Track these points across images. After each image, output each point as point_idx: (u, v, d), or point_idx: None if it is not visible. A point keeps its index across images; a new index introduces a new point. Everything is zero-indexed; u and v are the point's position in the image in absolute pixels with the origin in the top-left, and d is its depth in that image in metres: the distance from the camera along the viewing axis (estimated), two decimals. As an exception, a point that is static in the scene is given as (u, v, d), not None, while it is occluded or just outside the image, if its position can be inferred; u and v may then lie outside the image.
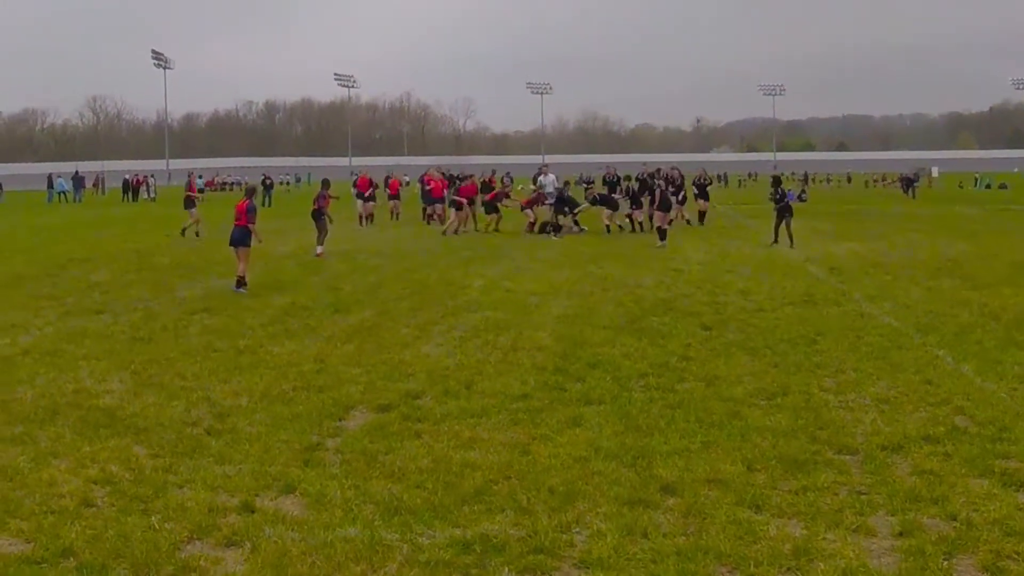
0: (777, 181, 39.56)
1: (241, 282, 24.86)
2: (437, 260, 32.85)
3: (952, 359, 16.10)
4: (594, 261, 31.98)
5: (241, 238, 25.30)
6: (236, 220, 25.63)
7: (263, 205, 73.21)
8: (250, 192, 26.91)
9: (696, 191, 51.33)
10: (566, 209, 44.54)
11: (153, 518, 9.21)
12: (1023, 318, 19.89)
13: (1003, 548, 8.36)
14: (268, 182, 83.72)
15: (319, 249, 33.98)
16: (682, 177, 50.48)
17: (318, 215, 34.83)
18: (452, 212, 44.60)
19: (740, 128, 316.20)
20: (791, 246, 35.71)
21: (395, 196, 56.54)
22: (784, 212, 37.31)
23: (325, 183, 37.29)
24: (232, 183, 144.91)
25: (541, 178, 49.85)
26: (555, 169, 54.01)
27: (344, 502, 9.64)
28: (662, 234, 38.11)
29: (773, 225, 37.69)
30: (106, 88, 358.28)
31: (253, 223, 25.47)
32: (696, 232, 44.50)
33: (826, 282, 26.21)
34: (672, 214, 43.06)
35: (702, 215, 50.18)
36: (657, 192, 41.26)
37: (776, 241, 36.94)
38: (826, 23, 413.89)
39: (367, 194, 51.88)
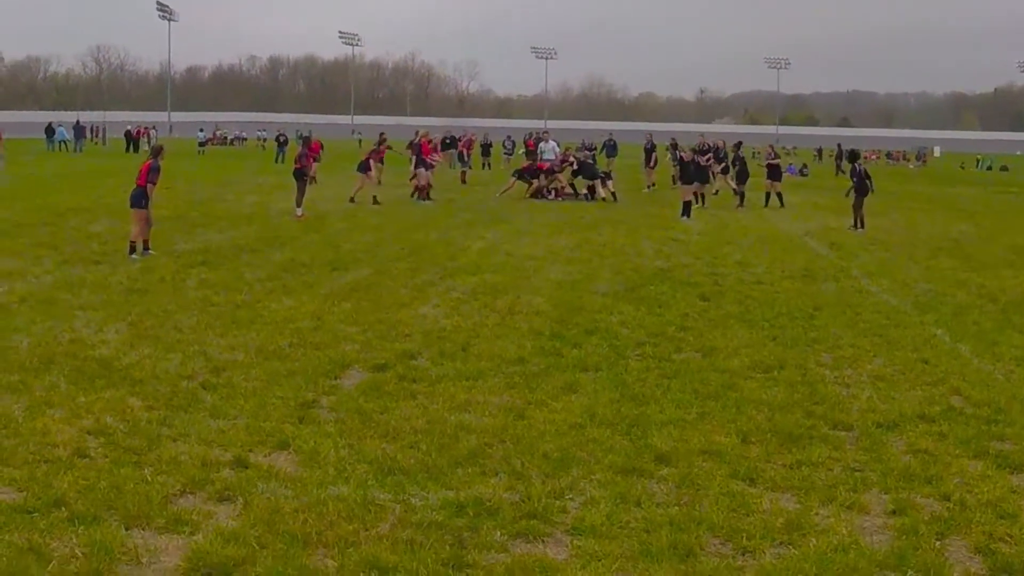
0: (855, 156, 37.27)
1: (133, 247, 23.27)
2: (437, 221, 32.81)
3: (949, 339, 16.11)
4: (594, 228, 31.97)
5: (135, 199, 23.45)
6: (137, 179, 23.93)
7: (276, 162, 73.01)
8: (156, 151, 24.77)
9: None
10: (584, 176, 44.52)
11: (146, 470, 9.20)
12: (1021, 300, 19.91)
13: (996, 530, 8.36)
14: (283, 139, 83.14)
15: (299, 211, 33.24)
16: (722, 148, 49.67)
17: (300, 174, 33.93)
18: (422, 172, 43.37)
19: (744, 100, 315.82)
20: (861, 228, 33.61)
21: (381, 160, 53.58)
22: (862, 191, 34.35)
23: (306, 141, 36.83)
24: (236, 138, 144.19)
25: (542, 144, 49.77)
26: (558, 135, 53.96)
27: (337, 460, 9.62)
28: (685, 207, 36.47)
29: (852, 206, 34.66)
30: (110, 38, 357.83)
31: (153, 183, 23.59)
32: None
33: (825, 257, 26.23)
34: (717, 185, 42.58)
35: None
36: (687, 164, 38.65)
37: (856, 226, 33.99)
38: (833, 0, 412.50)
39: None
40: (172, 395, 11.80)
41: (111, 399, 11.54)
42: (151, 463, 9.42)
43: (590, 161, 46.56)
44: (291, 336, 15.08)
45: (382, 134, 42.56)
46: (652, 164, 53.66)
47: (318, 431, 10.57)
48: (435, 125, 59.56)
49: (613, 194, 43.97)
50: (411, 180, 42.92)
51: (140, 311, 16.65)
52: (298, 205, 33.44)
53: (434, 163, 43.45)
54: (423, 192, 40.55)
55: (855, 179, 34.76)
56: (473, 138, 63.26)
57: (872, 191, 34.76)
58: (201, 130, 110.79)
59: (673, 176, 51.46)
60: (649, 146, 53.97)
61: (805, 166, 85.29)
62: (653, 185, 52.54)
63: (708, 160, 42.53)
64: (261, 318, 16.42)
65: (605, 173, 45.98)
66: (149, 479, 8.97)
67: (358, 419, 11.03)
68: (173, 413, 11.08)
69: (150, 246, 23.46)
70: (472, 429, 10.75)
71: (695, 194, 39.51)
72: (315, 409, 11.46)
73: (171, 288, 18.99)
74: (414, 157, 41.79)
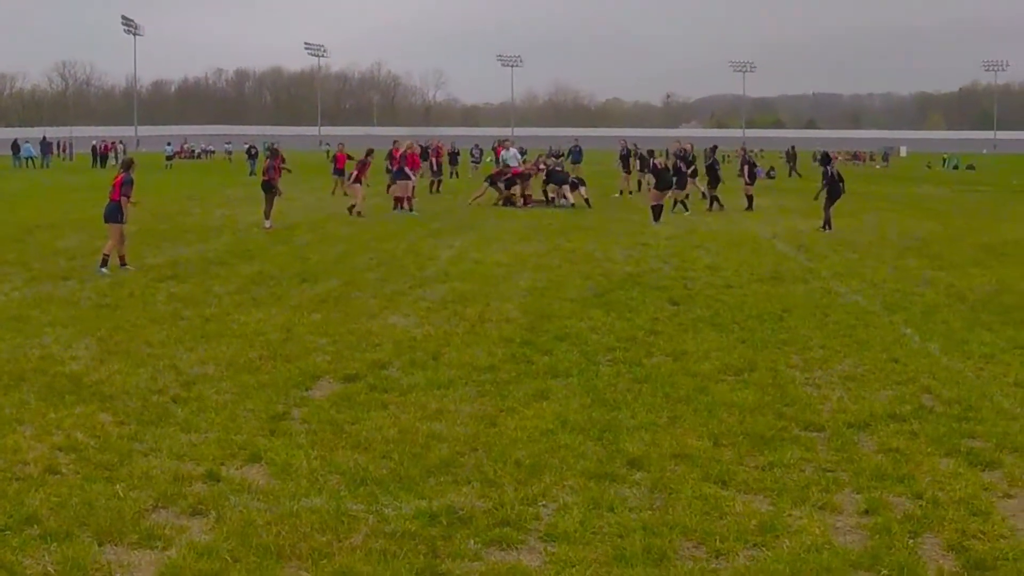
0: (826, 159, 37.27)
1: (105, 261, 23.07)
2: (405, 231, 32.78)
3: (919, 338, 16.17)
4: (562, 234, 31.99)
5: (110, 213, 23.46)
6: (110, 194, 23.88)
7: (250, 175, 72.73)
8: (127, 165, 24.66)
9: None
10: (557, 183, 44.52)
11: (118, 486, 9.16)
12: (989, 298, 19.99)
13: (968, 527, 8.39)
14: (253, 151, 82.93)
15: (267, 223, 33.18)
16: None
17: (268, 187, 33.74)
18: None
19: (710, 104, 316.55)
20: (827, 229, 33.61)
21: (341, 171, 50.98)
22: (835, 194, 34.39)
23: (274, 152, 36.64)
24: (203, 151, 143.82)
25: (503, 152, 49.76)
26: (525, 143, 53.98)
27: (310, 472, 9.61)
28: (655, 212, 36.60)
29: (822, 207, 34.80)
30: (76, 53, 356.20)
31: (128, 197, 23.58)
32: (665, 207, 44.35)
33: (794, 259, 26.30)
34: (688, 189, 42.51)
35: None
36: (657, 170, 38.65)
37: (825, 227, 34.00)
38: (798, 3, 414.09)
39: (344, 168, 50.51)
40: (143, 410, 11.76)
41: (81, 415, 11.50)
42: (123, 478, 9.38)
43: (558, 168, 46.55)
44: (261, 348, 15.05)
45: (370, 149, 42.13)
46: (629, 170, 53.56)
47: (290, 443, 10.55)
48: (403, 135, 59.25)
49: (587, 200, 43.99)
50: (388, 192, 42.74)
51: (110, 326, 16.60)
52: (266, 217, 33.42)
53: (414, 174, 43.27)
54: (406, 202, 40.16)
55: (826, 181, 34.66)
56: (441, 146, 63.22)
57: (843, 193, 34.79)
58: (168, 144, 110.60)
59: (640, 182, 51.73)
60: (624, 152, 53.91)
61: (772, 168, 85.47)
62: (631, 192, 52.38)
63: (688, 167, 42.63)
64: (231, 331, 16.38)
65: (579, 179, 45.96)
66: (121, 495, 8.93)
67: (330, 430, 11.01)
68: (144, 428, 11.05)
69: (127, 261, 23.43)
70: (444, 438, 10.74)
71: (680, 201, 39.73)
72: (286, 421, 11.44)
73: (140, 302, 18.94)
74: (394, 169, 41.45)
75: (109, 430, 10.96)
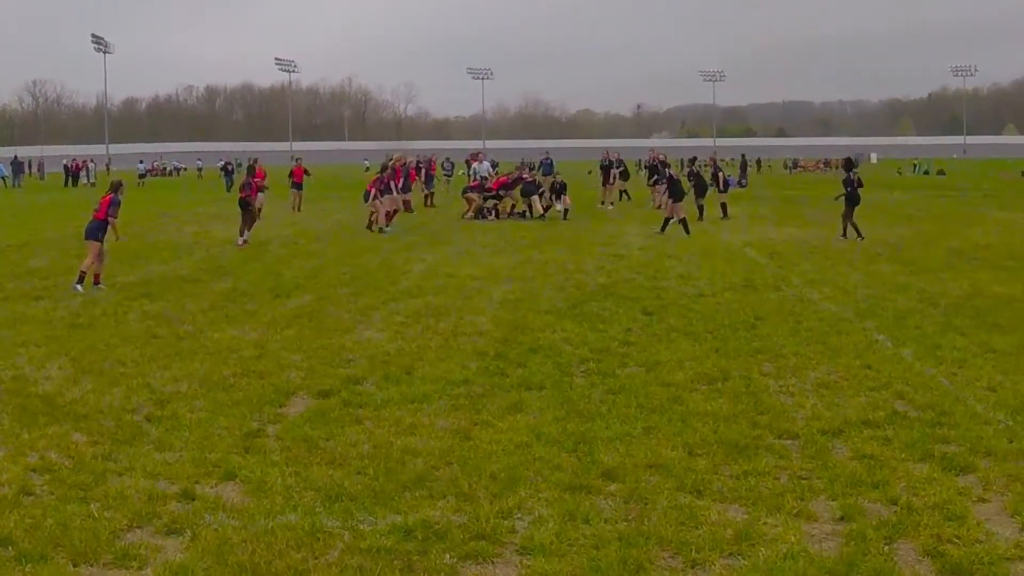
0: (849, 164, 36.46)
1: (82, 277, 23.07)
2: (378, 245, 32.76)
3: (891, 344, 16.22)
4: (535, 246, 31.99)
5: (93, 231, 23.43)
6: (95, 212, 23.87)
7: (227, 191, 72.70)
8: (116, 186, 24.51)
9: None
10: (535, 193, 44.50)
11: (92, 506, 9.13)
12: (961, 303, 20.05)
13: (943, 532, 8.41)
14: (229, 168, 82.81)
15: (240, 240, 33.15)
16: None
17: (245, 203, 33.74)
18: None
19: (681, 114, 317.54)
20: (858, 237, 33.19)
21: (299, 185, 50.96)
22: (853, 200, 34.01)
23: (250, 170, 36.48)
24: (175, 168, 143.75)
25: (475, 164, 49.78)
26: (497, 155, 54.02)
27: (285, 489, 9.59)
28: (684, 224, 35.74)
29: (841, 215, 34.64)
30: (46, 72, 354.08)
31: (114, 217, 23.63)
32: (636, 217, 44.43)
33: (766, 267, 26.34)
34: (659, 199, 42.25)
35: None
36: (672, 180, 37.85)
37: (844, 235, 33.84)
38: (766, 12, 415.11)
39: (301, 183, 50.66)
40: (116, 429, 11.72)
41: (55, 435, 11.46)
42: (97, 499, 9.35)
43: (531, 180, 46.53)
44: (235, 365, 15.02)
45: (385, 165, 41.29)
46: (611, 182, 53.37)
47: (264, 460, 10.53)
48: (374, 150, 59.00)
49: (564, 211, 44.06)
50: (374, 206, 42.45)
51: (83, 346, 16.55)
52: (240, 234, 33.35)
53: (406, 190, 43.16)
54: (385, 217, 39.82)
55: (848, 188, 34.24)
56: (433, 160, 63.05)
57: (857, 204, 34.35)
58: (141, 162, 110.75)
59: (623, 192, 52.13)
60: (606, 163, 53.76)
61: (744, 176, 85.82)
62: (611, 204, 52.12)
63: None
64: (204, 348, 16.34)
65: (562, 184, 45.80)
66: (96, 515, 8.90)
67: (304, 446, 10.99)
68: (118, 447, 11.01)
69: (101, 280, 23.38)
70: (418, 452, 10.73)
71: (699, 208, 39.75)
72: (261, 438, 11.41)
73: (114, 321, 18.89)
74: (381, 185, 41.08)
75: (83, 450, 10.91)
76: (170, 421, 12.07)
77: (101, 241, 23.30)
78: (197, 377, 14.29)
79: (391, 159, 42.76)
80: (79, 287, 22.69)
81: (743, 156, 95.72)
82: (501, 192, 45.16)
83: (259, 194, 35.36)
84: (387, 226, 38.42)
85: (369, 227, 37.96)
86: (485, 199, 44.90)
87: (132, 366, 15.07)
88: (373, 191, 38.53)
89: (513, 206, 45.03)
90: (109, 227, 23.52)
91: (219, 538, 8.38)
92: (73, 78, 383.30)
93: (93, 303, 20.89)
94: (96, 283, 23.17)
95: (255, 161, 41.56)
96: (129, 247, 31.10)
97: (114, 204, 23.63)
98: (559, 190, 45.18)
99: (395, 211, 40.29)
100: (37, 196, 71.93)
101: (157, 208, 48.23)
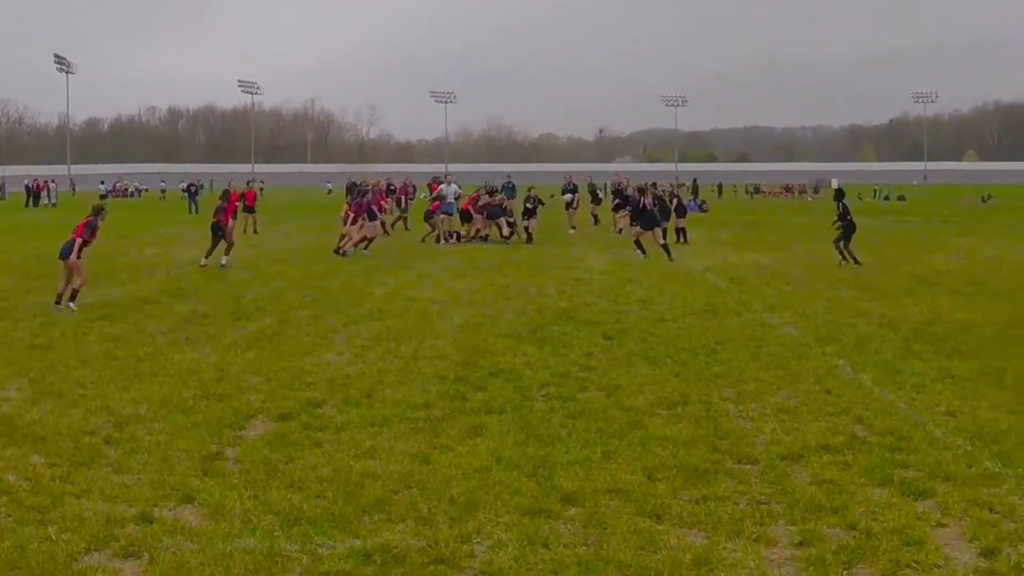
0: (840, 194, 36.57)
1: (74, 295, 23.24)
2: (340, 268, 32.68)
3: (851, 369, 16.24)
4: (496, 270, 32.01)
5: (67, 251, 23.45)
6: (72, 233, 23.90)
7: (189, 213, 72.54)
8: (97, 211, 24.79)
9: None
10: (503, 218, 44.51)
11: (50, 528, 9.07)
12: (921, 328, 20.12)
13: (902, 557, 8.43)
14: (193, 189, 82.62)
15: (203, 260, 33.13)
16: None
17: (216, 229, 33.60)
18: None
19: (643, 138, 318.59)
20: (857, 264, 33.38)
21: (251, 208, 51.22)
22: (849, 229, 34.16)
23: (225, 194, 36.36)
24: (136, 190, 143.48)
25: (443, 187, 49.74)
26: (460, 178, 54.04)
27: (243, 512, 9.53)
28: (665, 250, 36.30)
29: (834, 240, 34.97)
30: (7, 92, 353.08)
31: (87, 239, 23.74)
32: (600, 242, 44.48)
33: (727, 292, 26.38)
34: (620, 224, 42.24)
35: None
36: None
37: (845, 260, 33.90)
38: (728, 37, 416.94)
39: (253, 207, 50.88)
40: (75, 451, 11.64)
41: (13, 457, 11.38)
42: (55, 521, 9.29)
43: (499, 203, 46.48)
44: (194, 388, 14.93)
45: (364, 190, 41.21)
46: (575, 206, 53.46)
47: (223, 483, 10.47)
48: (334, 172, 58.83)
49: (529, 235, 44.17)
50: (347, 231, 42.19)
51: (42, 367, 16.44)
52: (206, 256, 33.28)
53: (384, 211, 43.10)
54: (368, 243, 39.55)
55: (848, 218, 34.29)
56: (408, 184, 62.89)
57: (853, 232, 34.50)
58: (102, 182, 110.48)
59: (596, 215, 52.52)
60: (570, 187, 53.81)
61: (704, 202, 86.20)
62: (573, 228, 52.11)
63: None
64: (164, 370, 16.25)
65: (538, 200, 45.82)
66: (53, 537, 8.84)
67: (263, 469, 10.94)
68: (76, 469, 10.93)
69: (63, 300, 23.20)
70: (378, 476, 10.69)
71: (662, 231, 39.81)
72: (220, 461, 11.34)
73: (73, 342, 18.78)
74: (361, 210, 40.84)
75: (41, 472, 10.84)
76: (129, 443, 11.99)
77: (79, 258, 23.30)
78: (156, 399, 14.20)
79: (366, 183, 42.72)
80: (72, 304, 22.84)
81: (694, 180, 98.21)
82: (472, 212, 45.13)
83: (231, 220, 35.13)
84: (365, 249, 38.39)
85: (337, 251, 37.85)
86: (433, 221, 44.86)
87: (91, 388, 14.98)
88: (351, 215, 38.43)
89: (478, 230, 45.00)
90: (83, 245, 23.46)
91: (177, 561, 8.34)
92: (35, 98, 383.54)
93: (53, 324, 20.77)
94: (56, 302, 23.04)
95: (230, 184, 41.55)
96: (90, 268, 30.95)
97: (90, 227, 23.69)
98: (532, 208, 45.18)
99: (373, 237, 40.11)
100: (-3, 217, 71.59)
101: (118, 230, 47.95)
